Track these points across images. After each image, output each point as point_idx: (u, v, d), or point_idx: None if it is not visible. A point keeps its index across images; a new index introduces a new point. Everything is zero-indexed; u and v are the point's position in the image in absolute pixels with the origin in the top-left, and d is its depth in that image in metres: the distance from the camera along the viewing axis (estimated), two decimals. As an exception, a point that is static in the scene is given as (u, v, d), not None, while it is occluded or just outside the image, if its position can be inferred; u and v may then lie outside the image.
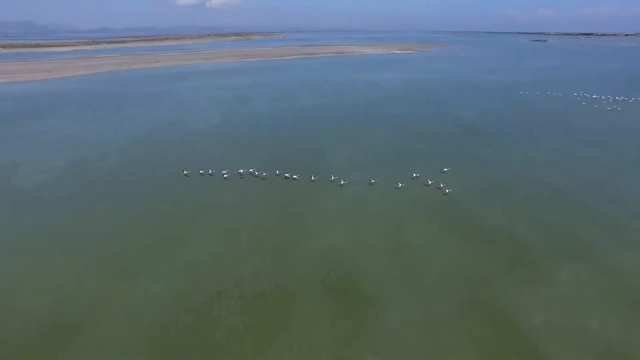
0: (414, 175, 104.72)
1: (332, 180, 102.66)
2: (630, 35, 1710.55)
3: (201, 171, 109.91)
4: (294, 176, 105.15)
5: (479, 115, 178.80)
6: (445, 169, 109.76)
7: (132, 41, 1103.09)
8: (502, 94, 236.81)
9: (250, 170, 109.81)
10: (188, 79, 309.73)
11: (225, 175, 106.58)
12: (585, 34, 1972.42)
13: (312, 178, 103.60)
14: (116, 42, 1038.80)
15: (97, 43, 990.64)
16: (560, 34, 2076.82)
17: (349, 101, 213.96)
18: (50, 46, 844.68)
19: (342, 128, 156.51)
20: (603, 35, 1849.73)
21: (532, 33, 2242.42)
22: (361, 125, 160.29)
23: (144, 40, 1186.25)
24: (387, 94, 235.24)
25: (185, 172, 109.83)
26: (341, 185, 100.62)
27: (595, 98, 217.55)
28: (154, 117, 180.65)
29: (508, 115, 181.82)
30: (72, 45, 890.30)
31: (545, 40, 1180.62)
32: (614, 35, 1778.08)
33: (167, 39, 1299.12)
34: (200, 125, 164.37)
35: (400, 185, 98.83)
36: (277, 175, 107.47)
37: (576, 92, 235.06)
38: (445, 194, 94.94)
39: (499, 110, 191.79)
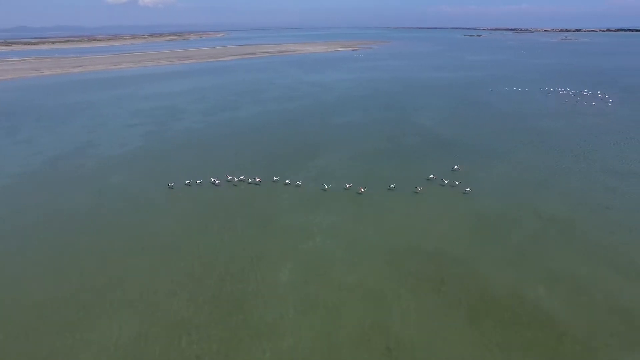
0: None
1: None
2: (548, 30, 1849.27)
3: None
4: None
5: (444, 121, 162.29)
6: (419, 189, 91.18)
7: (53, 42, 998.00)
8: (460, 93, 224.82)
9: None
10: (112, 87, 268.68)
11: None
12: (512, 29, 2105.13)
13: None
14: (34, 43, 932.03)
15: (9, 44, 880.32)
16: (490, 29, 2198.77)
17: (299, 108, 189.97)
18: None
19: (293, 146, 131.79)
20: (526, 30, 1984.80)
21: (465, 28, 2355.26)
22: (316, 140, 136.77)
23: (67, 41, 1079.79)
24: (338, 98, 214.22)
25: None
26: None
27: (564, 93, 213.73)
28: (57, 140, 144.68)
29: (479, 119, 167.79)
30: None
31: (479, 35, 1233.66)
32: (535, 30, 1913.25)
33: (95, 39, 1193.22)
34: (115, 152, 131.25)
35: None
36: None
37: (541, 87, 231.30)
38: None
39: (466, 114, 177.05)
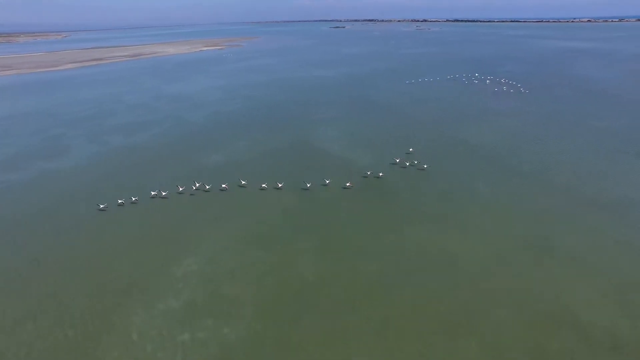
0: None
1: None
2: (402, 21, 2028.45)
3: None
4: None
5: (358, 139, 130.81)
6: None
7: None
8: (355, 94, 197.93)
9: None
10: None
11: None
12: (371, 20, 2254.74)
13: None
14: None
15: None
16: (351, 20, 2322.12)
17: (153, 141, 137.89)
18: None
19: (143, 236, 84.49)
20: (383, 21, 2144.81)
21: (329, 20, 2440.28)
22: (179, 211, 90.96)
23: None
24: (209, 118, 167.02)
25: None
26: None
27: (465, 80, 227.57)
28: None
29: (393, 128, 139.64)
30: None
31: (344, 27, 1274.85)
32: (390, 21, 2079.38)
33: None
34: None
35: None
36: None
37: (439, 76, 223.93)
38: None
39: (377, 122, 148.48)
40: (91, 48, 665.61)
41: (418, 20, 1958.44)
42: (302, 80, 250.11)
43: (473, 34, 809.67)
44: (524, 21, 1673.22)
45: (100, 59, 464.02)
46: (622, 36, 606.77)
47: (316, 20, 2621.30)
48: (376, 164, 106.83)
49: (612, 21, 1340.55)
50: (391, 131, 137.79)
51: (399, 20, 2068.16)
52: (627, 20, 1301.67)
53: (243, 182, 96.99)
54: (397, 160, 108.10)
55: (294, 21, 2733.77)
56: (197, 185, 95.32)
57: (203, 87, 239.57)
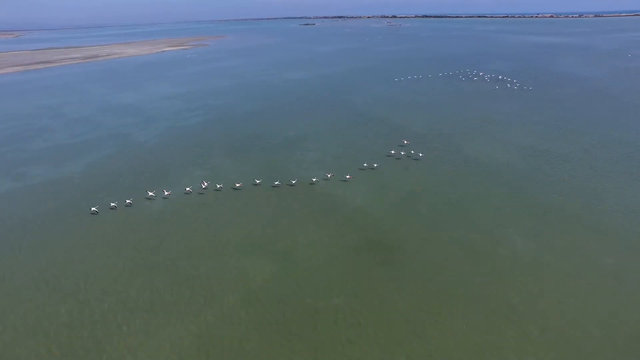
0: None
1: None
2: (371, 17, 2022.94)
3: None
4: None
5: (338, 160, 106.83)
6: None
7: None
8: (336, 102, 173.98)
9: None
10: None
11: None
12: (340, 17, 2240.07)
13: None
14: None
15: None
16: (321, 17, 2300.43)
17: (88, 182, 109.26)
18: None
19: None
20: (352, 17, 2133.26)
21: (298, 17, 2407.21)
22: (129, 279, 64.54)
23: None
24: (164, 136, 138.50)
25: None
26: None
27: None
28: None
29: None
30: None
31: (314, 24, 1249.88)
32: (360, 17, 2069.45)
33: None
34: None
35: None
36: None
37: (430, 74, 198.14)
38: None
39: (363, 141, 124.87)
40: (44, 49, 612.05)
41: (388, 17, 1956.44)
42: (273, 86, 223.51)
43: (445, 29, 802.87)
44: (491, 16, 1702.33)
45: (49, 62, 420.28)
46: (587, 31, 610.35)
47: (285, 18, 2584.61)
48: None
49: (572, 17, 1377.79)
50: (384, 145, 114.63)
51: (368, 17, 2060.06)
52: (585, 16, 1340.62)
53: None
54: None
55: (262, 19, 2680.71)
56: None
57: (160, 96, 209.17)
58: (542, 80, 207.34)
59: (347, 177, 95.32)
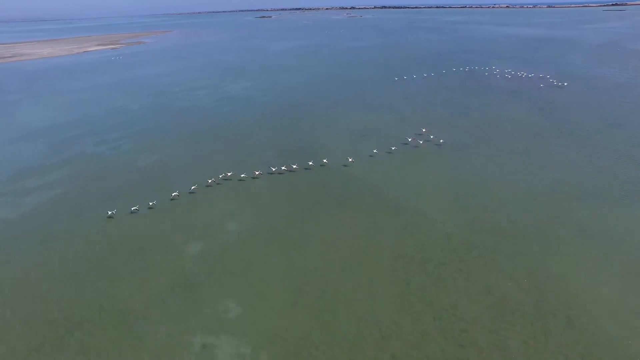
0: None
1: None
2: (329, 9, 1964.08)
3: None
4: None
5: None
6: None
7: None
8: (305, 141, 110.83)
9: None
10: None
11: None
12: (298, 9, 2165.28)
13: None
14: None
15: None
16: (278, 9, 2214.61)
17: None
18: None
19: None
20: (311, 9, 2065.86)
21: (254, 10, 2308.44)
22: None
23: None
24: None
25: None
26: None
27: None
28: None
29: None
30: None
31: (270, 17, 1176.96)
32: (318, 9, 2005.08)
33: None
34: None
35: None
36: None
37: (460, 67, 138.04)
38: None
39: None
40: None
41: (347, 8, 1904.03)
42: (198, 112, 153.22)
43: (409, 20, 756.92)
44: (449, 7, 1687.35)
45: None
46: (557, 22, 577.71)
47: (241, 11, 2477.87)
48: None
49: (527, 7, 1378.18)
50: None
51: (327, 8, 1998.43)
52: (539, 7, 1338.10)
53: None
54: None
55: (217, 12, 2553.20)
56: None
57: (17, 133, 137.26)
58: (590, 83, 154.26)
59: None
